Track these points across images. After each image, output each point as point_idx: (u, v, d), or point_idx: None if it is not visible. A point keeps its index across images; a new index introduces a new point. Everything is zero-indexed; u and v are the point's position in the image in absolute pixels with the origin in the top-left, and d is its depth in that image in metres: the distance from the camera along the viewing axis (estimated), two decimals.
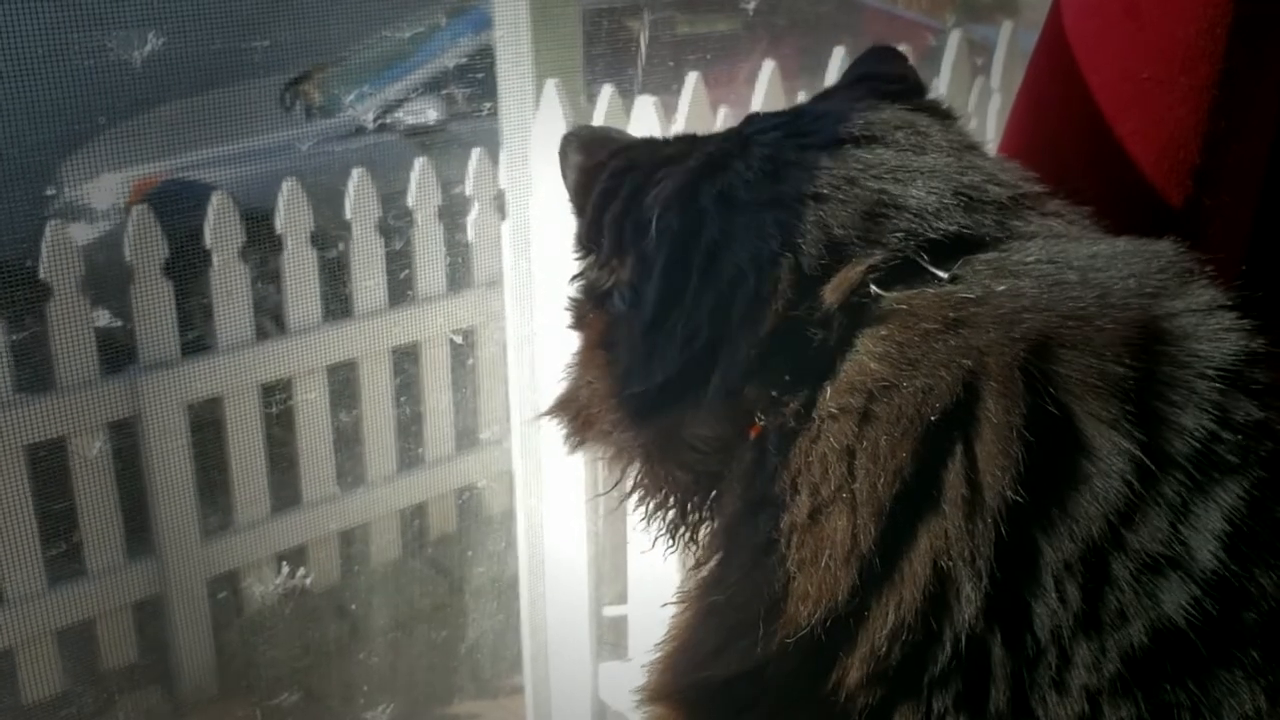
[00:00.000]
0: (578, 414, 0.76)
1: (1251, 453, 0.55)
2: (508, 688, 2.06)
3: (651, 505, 0.74)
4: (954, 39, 2.37)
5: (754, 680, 0.59)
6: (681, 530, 0.73)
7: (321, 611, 2.06)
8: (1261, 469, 0.55)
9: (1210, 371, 0.57)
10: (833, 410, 0.60)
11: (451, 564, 2.16)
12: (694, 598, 0.67)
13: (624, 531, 1.81)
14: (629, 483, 0.75)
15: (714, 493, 0.69)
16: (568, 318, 0.81)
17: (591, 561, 1.77)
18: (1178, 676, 0.53)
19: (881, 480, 0.57)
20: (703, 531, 0.73)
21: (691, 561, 0.71)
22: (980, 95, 2.50)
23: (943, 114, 0.77)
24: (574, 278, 0.79)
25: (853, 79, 0.83)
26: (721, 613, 0.64)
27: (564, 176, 0.83)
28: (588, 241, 0.78)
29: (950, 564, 0.55)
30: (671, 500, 0.73)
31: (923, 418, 0.57)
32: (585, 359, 0.77)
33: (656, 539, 0.75)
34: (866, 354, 0.61)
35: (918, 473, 0.57)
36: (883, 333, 0.61)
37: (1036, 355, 0.57)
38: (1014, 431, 0.55)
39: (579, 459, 1.70)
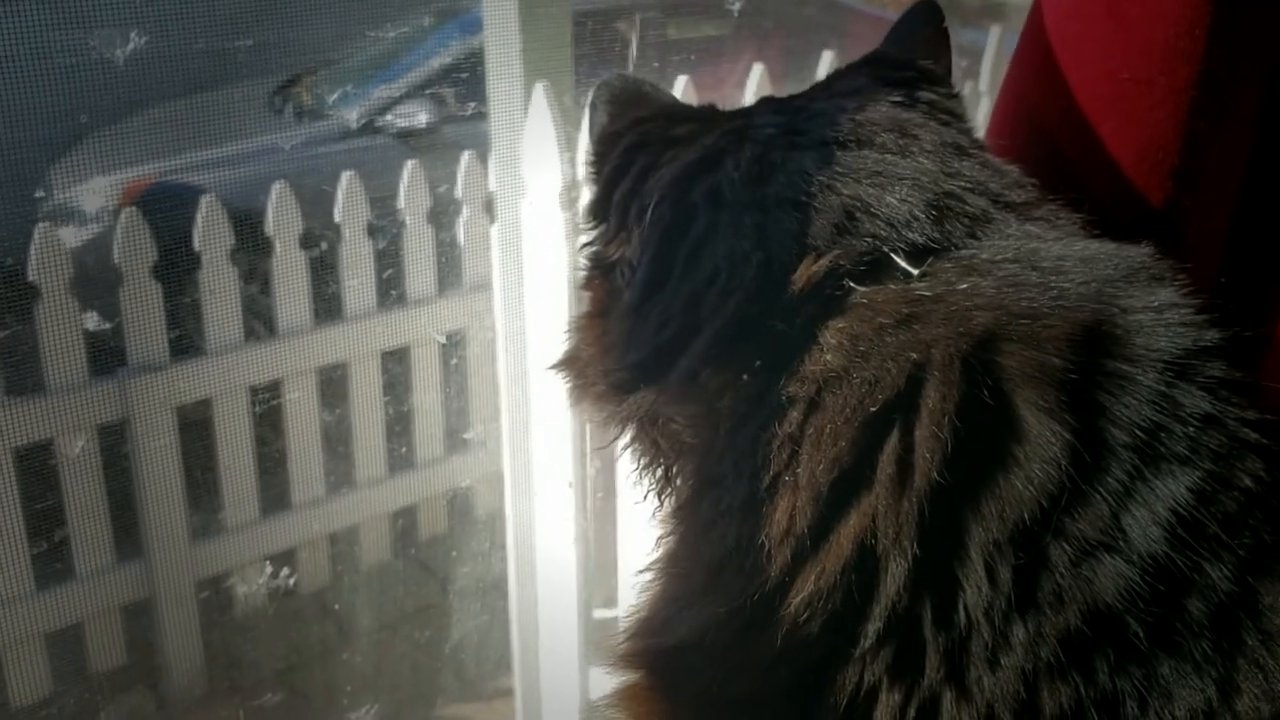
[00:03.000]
0: (579, 373, 0.79)
1: (1202, 445, 0.56)
2: (497, 690, 2.06)
3: (642, 463, 0.76)
4: None
5: (698, 649, 0.62)
6: (667, 491, 0.75)
7: (311, 614, 2.06)
8: (1213, 462, 0.56)
9: (1158, 365, 0.57)
10: (784, 399, 0.62)
11: (442, 566, 2.16)
12: (657, 570, 0.70)
13: (614, 534, 1.81)
14: (622, 441, 0.77)
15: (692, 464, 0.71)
16: (578, 278, 0.84)
17: (581, 564, 1.78)
18: (1118, 663, 0.53)
19: (821, 467, 0.59)
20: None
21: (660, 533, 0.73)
22: (969, 99, 2.51)
23: (942, 109, 0.77)
24: (584, 245, 0.82)
25: (868, 58, 0.84)
26: (674, 584, 0.67)
27: (589, 132, 0.86)
28: (598, 212, 0.80)
29: (874, 540, 0.57)
30: (659, 462, 0.75)
31: (865, 408, 0.59)
32: (586, 324, 0.79)
33: (646, 494, 0.77)
34: (824, 345, 0.62)
35: (857, 459, 0.59)
36: (840, 325, 0.62)
37: (980, 348, 0.58)
38: (946, 417, 0.56)
39: (568, 461, 1.71)
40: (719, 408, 0.65)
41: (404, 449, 2.16)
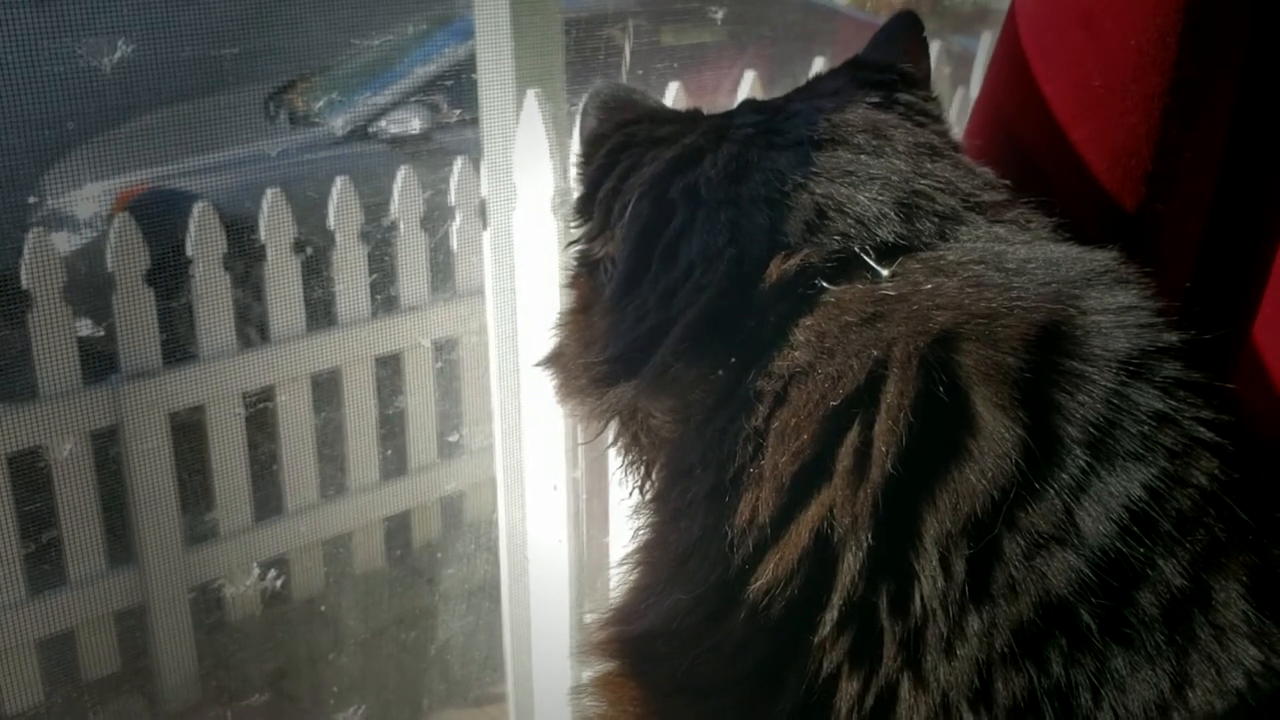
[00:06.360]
0: (564, 368, 0.80)
1: (1157, 443, 0.57)
2: (490, 695, 2.07)
3: (626, 458, 0.78)
4: (933, 49, 2.39)
5: (667, 636, 0.63)
6: (648, 484, 0.76)
7: (303, 619, 2.06)
8: (1168, 460, 0.57)
9: (1113, 364, 0.59)
10: (752, 393, 0.63)
11: (435, 571, 2.16)
12: (633, 561, 0.71)
13: (606, 537, 1.82)
14: (608, 437, 0.79)
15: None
16: (564, 276, 0.86)
17: (573, 567, 1.78)
18: (1071, 654, 0.54)
19: (784, 459, 0.60)
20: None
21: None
22: (961, 106, 2.52)
23: (919, 110, 0.79)
24: (571, 243, 0.84)
25: (849, 63, 0.86)
26: (646, 574, 0.69)
27: (580, 136, 0.88)
28: (583, 211, 0.82)
29: (831, 530, 0.58)
30: (641, 457, 0.76)
31: (827, 403, 0.60)
32: (569, 321, 0.81)
33: (631, 490, 0.78)
34: (794, 342, 0.64)
35: (818, 452, 0.60)
36: (809, 322, 0.64)
37: (938, 346, 0.59)
38: (903, 413, 0.58)
39: (561, 466, 1.71)
40: (691, 401, 0.67)
41: (397, 454, 2.17)
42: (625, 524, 0.76)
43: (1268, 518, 0.58)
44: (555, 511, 1.74)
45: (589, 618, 1.83)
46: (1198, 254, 0.81)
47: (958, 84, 2.57)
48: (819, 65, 2.21)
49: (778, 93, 0.91)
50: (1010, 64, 0.83)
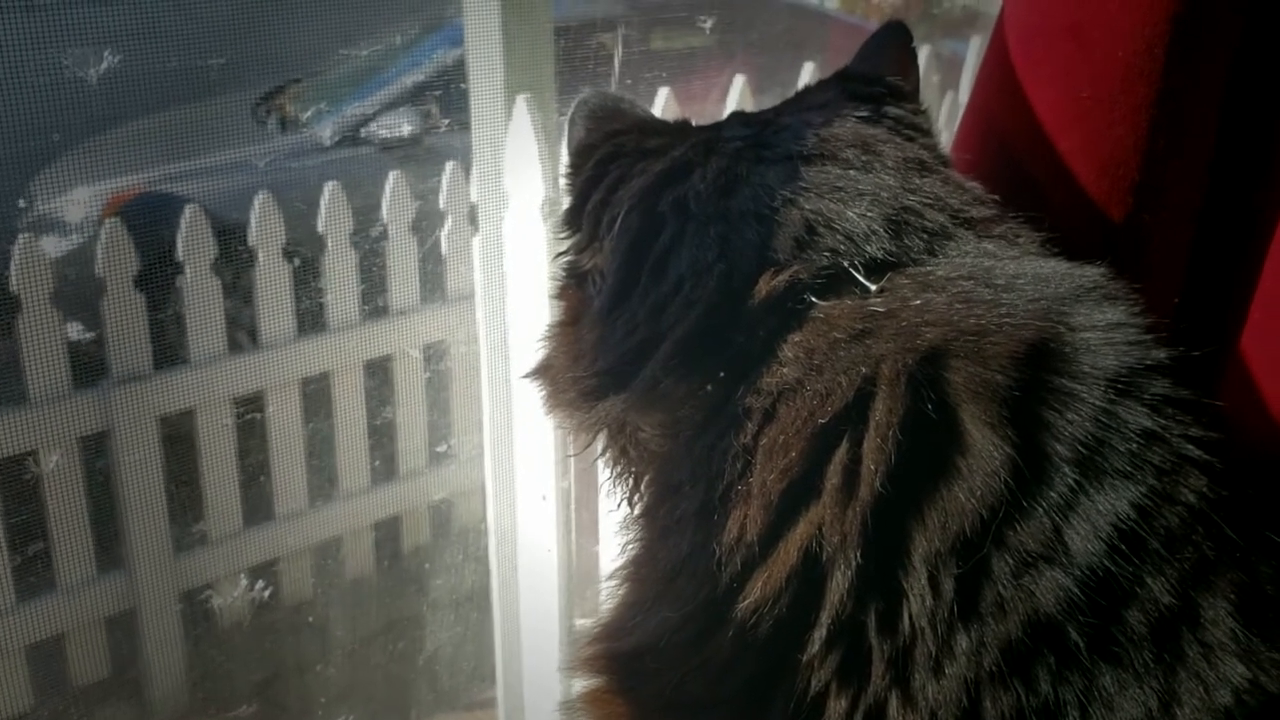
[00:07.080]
0: (552, 381, 0.80)
1: (1145, 461, 0.57)
2: (479, 701, 2.06)
3: (614, 470, 0.78)
4: (923, 54, 2.40)
5: (655, 652, 0.64)
6: (637, 498, 0.76)
7: (292, 627, 2.06)
8: (1156, 478, 0.57)
9: (1102, 382, 0.59)
10: (741, 409, 0.63)
11: (425, 578, 2.16)
12: (621, 575, 0.72)
13: (596, 544, 1.82)
14: (597, 449, 0.79)
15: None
16: (551, 287, 0.86)
17: (563, 574, 1.78)
18: (1059, 672, 0.55)
19: (772, 476, 0.60)
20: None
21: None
22: (950, 111, 2.53)
23: (908, 124, 0.79)
24: (559, 254, 0.84)
25: (837, 75, 0.86)
26: (634, 590, 0.69)
27: (567, 145, 0.88)
28: (572, 222, 0.82)
29: (819, 549, 0.58)
30: (629, 470, 0.76)
31: (816, 420, 0.61)
32: (558, 333, 0.81)
33: (619, 502, 0.78)
34: (782, 359, 0.64)
35: (806, 470, 0.60)
36: (797, 338, 0.64)
37: (927, 363, 0.59)
38: (892, 430, 0.58)
39: (550, 472, 1.71)
40: (680, 416, 0.67)
41: (386, 462, 2.16)
42: (614, 534, 0.76)
43: (1256, 535, 0.58)
44: (545, 520, 1.74)
45: (579, 626, 1.84)
46: (1186, 264, 0.81)
47: (946, 89, 2.58)
48: (809, 71, 2.21)
49: (768, 99, 0.90)
50: (998, 75, 0.83)
